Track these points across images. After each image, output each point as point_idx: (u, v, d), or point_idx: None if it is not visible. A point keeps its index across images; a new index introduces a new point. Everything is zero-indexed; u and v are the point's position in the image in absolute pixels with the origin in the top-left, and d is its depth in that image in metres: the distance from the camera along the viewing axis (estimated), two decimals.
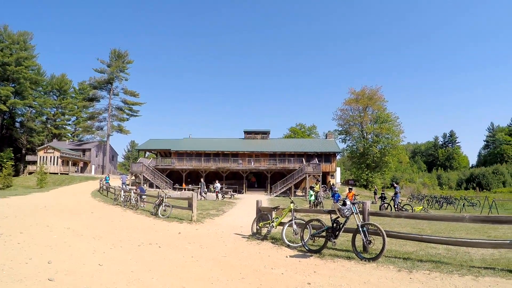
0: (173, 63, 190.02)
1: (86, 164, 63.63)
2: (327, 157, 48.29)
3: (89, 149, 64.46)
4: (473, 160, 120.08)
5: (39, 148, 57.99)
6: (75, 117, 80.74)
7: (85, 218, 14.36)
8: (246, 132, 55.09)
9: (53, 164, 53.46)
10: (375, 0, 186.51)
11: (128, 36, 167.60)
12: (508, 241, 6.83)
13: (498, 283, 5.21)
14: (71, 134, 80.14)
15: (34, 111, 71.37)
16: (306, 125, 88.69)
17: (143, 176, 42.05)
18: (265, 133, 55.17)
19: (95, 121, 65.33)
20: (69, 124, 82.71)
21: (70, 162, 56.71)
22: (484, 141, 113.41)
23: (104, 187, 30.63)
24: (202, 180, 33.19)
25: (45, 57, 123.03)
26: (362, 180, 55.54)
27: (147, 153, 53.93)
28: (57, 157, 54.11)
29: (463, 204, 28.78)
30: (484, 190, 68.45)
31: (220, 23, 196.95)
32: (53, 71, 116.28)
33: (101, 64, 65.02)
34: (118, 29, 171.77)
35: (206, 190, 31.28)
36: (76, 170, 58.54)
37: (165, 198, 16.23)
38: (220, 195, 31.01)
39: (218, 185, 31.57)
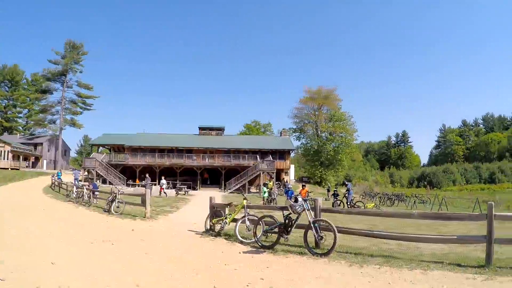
0: (127, 56, 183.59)
1: (37, 159, 61.01)
2: (282, 154, 48.86)
3: (41, 144, 61.85)
4: (424, 159, 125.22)
5: None
6: (27, 110, 77.19)
7: (36, 216, 13.90)
8: (201, 128, 54.53)
9: (3, 159, 50.61)
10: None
11: (84, 27, 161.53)
12: (455, 237, 7.33)
13: (446, 276, 5.49)
14: (22, 128, 76.60)
15: None
16: (261, 122, 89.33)
17: (96, 171, 40.73)
18: (220, 130, 54.94)
19: (48, 114, 62.87)
20: (21, 117, 79.05)
21: (21, 157, 54.06)
22: (435, 141, 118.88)
23: (56, 183, 29.61)
24: (147, 175, 32.99)
25: None
26: (316, 177, 56.56)
27: (101, 148, 52.40)
28: (8, 151, 51.25)
29: (414, 201, 30.01)
30: (435, 188, 71.37)
31: (176, 15, 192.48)
32: (5, 61, 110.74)
33: (55, 55, 62.67)
34: (74, 20, 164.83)
35: (150, 184, 30.79)
36: (27, 165, 56.08)
37: (118, 194, 15.93)
38: (173, 191, 30.76)
39: (163, 181, 31.20)
